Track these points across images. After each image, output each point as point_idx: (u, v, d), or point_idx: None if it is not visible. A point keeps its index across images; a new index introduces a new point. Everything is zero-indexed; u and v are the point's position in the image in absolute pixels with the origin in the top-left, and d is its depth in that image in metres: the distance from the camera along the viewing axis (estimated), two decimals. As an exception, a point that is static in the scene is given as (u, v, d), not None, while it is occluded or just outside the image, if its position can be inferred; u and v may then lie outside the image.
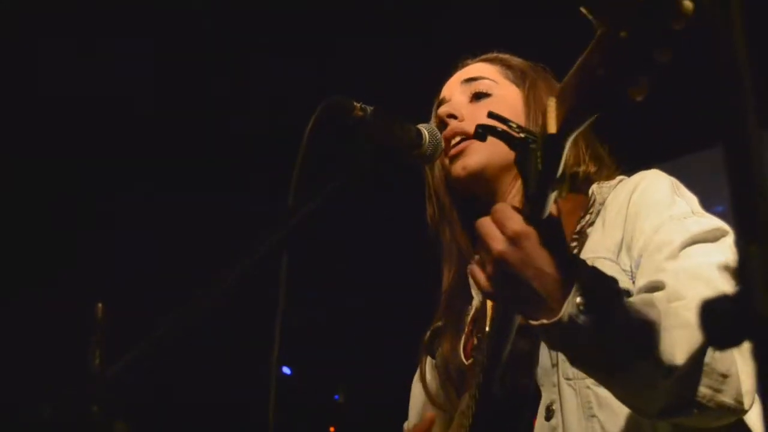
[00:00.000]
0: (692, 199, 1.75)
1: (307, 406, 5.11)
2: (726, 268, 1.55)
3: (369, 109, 1.73)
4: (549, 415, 1.67)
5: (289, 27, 4.17)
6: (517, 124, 1.37)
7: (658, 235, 1.65)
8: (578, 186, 1.88)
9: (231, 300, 1.65)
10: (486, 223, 1.36)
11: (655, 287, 1.55)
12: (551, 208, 1.32)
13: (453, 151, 1.96)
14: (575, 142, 1.90)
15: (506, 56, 2.10)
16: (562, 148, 1.22)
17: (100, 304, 1.51)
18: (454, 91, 2.06)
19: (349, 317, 5.22)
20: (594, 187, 1.88)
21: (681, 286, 1.50)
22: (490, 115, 1.45)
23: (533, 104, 1.97)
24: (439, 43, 2.13)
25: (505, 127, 1.38)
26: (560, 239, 1.37)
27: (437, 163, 2.03)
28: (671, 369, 1.34)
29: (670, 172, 1.82)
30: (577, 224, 1.81)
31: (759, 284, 0.68)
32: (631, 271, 1.66)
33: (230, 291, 1.67)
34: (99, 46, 4.10)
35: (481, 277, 1.38)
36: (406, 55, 4.00)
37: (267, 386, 1.64)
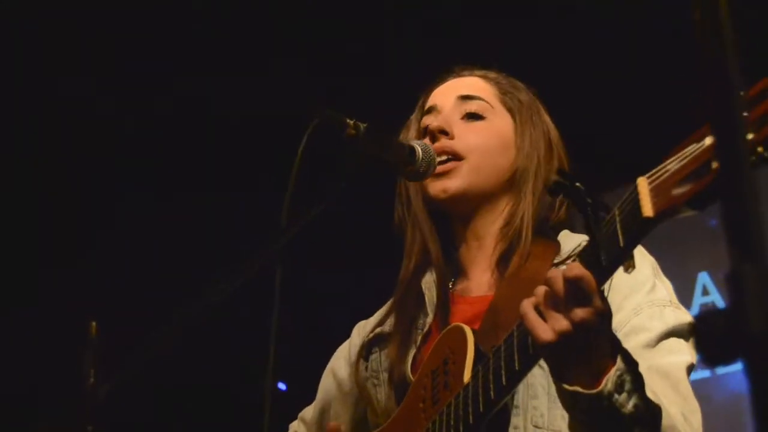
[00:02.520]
0: (669, 287, 1.82)
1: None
2: (690, 368, 1.71)
3: (362, 126, 1.73)
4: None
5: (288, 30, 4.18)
6: (585, 186, 1.42)
7: (638, 318, 1.73)
8: (546, 232, 1.91)
9: (225, 316, 1.65)
10: (578, 286, 1.39)
11: None
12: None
13: (439, 169, 1.90)
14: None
15: (504, 80, 2.05)
16: (649, 231, 1.29)
17: (93, 323, 1.50)
18: (447, 103, 2.00)
19: (345, 333, 5.21)
20: (563, 235, 1.91)
21: (653, 381, 1.57)
22: (561, 173, 1.48)
23: (527, 139, 1.95)
24: (432, 54, 2.12)
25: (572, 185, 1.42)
26: (611, 316, 1.46)
27: None
28: None
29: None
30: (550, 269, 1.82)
31: (751, 303, 0.68)
32: None
33: (223, 306, 1.66)
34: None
35: (542, 326, 1.42)
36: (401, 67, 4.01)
37: (262, 402, 1.64)
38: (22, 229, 4.50)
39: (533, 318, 1.44)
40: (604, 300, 1.41)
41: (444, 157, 1.91)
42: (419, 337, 1.93)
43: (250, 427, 1.70)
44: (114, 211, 4.56)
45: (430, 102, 2.03)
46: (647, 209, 1.25)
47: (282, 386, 5.10)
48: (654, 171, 1.27)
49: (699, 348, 0.71)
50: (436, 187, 1.91)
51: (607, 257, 1.35)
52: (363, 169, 1.74)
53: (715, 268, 4.41)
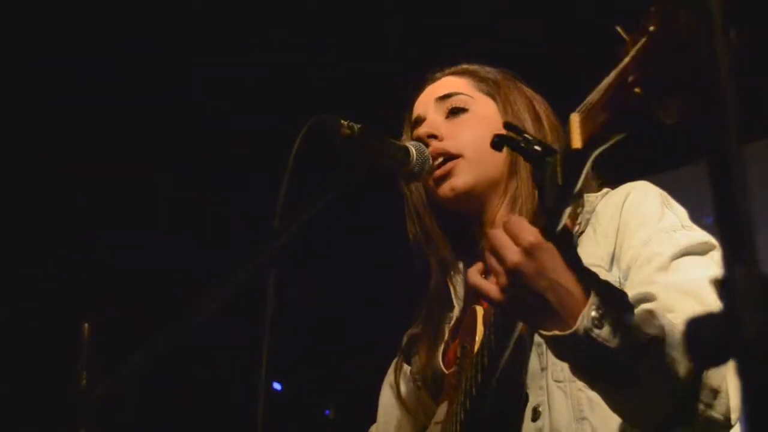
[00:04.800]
0: (681, 212, 1.76)
1: (298, 422, 5.08)
2: (714, 282, 1.58)
3: (356, 127, 1.73)
4: (535, 416, 1.68)
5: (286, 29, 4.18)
6: (533, 136, 1.40)
7: (648, 247, 1.67)
8: None
9: (219, 317, 1.65)
10: (499, 235, 1.38)
11: (645, 299, 1.57)
12: (566, 221, 1.34)
13: (438, 173, 1.92)
14: None
15: (475, 67, 2.07)
16: (586, 163, 1.24)
17: (86, 324, 1.50)
18: (428, 109, 2.01)
19: (340, 332, 5.21)
20: (588, 197, 1.88)
21: (671, 300, 1.52)
22: (507, 126, 1.46)
23: (510, 116, 1.95)
24: (425, 55, 2.12)
25: (520, 138, 1.39)
26: (574, 252, 1.40)
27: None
28: (676, 384, 1.37)
29: (659, 182, 1.83)
30: None
31: (744, 304, 0.68)
32: (620, 283, 1.68)
33: (218, 309, 1.66)
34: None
35: (489, 287, 1.40)
36: (393, 70, 4.01)
37: (256, 402, 1.64)
38: (17, 228, 4.49)
39: (480, 283, 1.42)
40: (540, 235, 1.35)
41: (440, 159, 1.92)
42: (447, 332, 1.96)
43: (245, 427, 1.70)
44: (108, 211, 4.55)
45: (414, 114, 2.05)
46: (576, 141, 1.22)
47: (277, 386, 5.10)
48: (582, 104, 1.25)
49: (691, 350, 0.70)
50: (444, 189, 1.92)
51: (551, 198, 1.32)
52: (359, 169, 1.74)
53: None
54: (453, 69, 2.08)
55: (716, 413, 1.41)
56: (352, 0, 4.07)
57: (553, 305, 1.35)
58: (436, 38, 3.89)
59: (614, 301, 1.37)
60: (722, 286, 0.72)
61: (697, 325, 0.72)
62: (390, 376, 2.14)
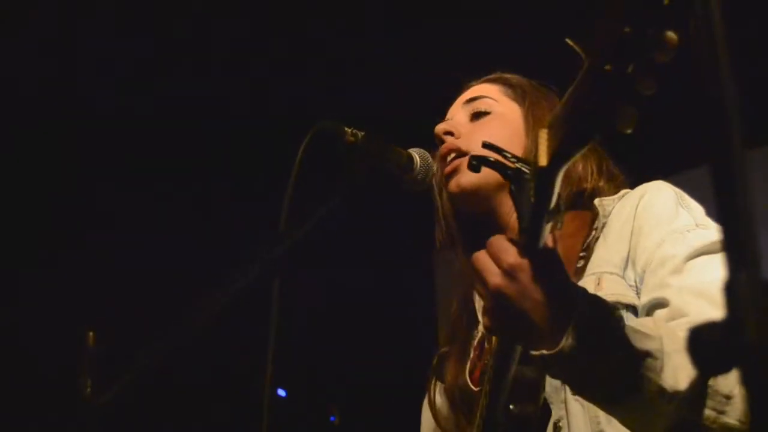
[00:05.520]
0: (697, 209, 1.74)
1: (302, 428, 5.08)
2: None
3: (360, 134, 1.74)
4: (556, 431, 1.67)
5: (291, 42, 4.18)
6: (512, 154, 1.39)
7: (661, 249, 1.66)
8: (585, 203, 1.87)
9: (223, 322, 1.65)
10: (481, 257, 1.36)
11: (659, 304, 1.56)
12: (547, 238, 1.33)
13: (447, 169, 1.94)
14: (585, 159, 1.91)
15: (508, 75, 2.09)
16: (554, 179, 1.22)
17: (90, 332, 1.50)
18: (456, 111, 2.06)
19: (345, 338, 5.21)
20: (596, 201, 1.87)
21: (684, 303, 1.51)
22: (485, 145, 1.45)
23: (533, 122, 1.96)
24: (438, 67, 2.13)
25: (499, 157, 1.38)
26: (557, 270, 1.37)
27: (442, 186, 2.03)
28: (674, 394, 1.34)
29: (679, 184, 1.80)
30: (585, 241, 1.81)
31: (747, 312, 0.68)
32: (636, 286, 1.67)
33: (221, 314, 1.67)
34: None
35: (483, 312, 1.39)
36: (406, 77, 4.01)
37: (261, 408, 1.64)
38: (20, 234, 4.49)
39: (477, 308, 1.41)
40: (526, 257, 1.32)
41: (452, 156, 1.95)
42: (473, 349, 1.94)
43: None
44: (112, 216, 4.55)
45: (446, 118, 2.09)
46: (542, 159, 1.21)
47: (281, 393, 5.10)
48: (550, 118, 1.23)
49: (694, 355, 0.70)
50: (451, 186, 1.94)
51: (525, 218, 1.30)
52: (362, 176, 1.74)
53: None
54: (487, 77, 2.12)
55: (731, 419, 1.37)
56: (358, 3, 4.08)
57: (539, 325, 1.32)
58: (441, 45, 3.90)
59: (602, 318, 1.34)
60: (725, 292, 0.72)
61: (701, 332, 0.72)
62: (427, 397, 2.10)
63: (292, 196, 1.71)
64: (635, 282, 1.68)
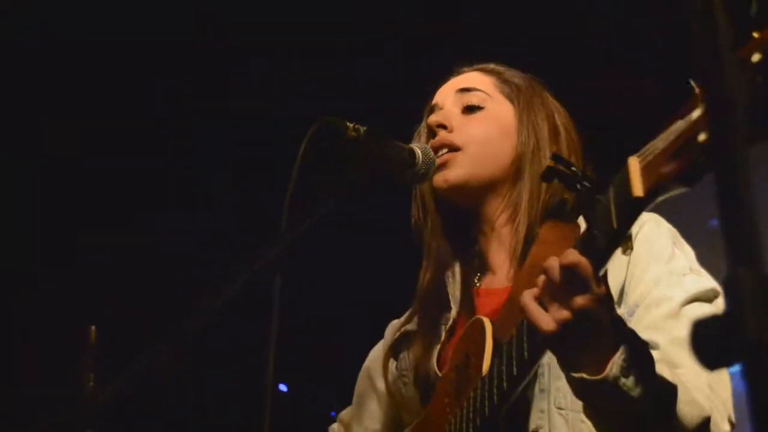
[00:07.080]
0: (690, 254, 1.80)
1: (304, 423, 5.09)
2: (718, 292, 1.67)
3: (362, 129, 1.74)
4: None
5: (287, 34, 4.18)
6: (581, 170, 1.42)
7: (658, 289, 1.70)
8: (566, 215, 1.88)
9: (225, 318, 1.65)
10: (574, 273, 1.37)
11: (651, 346, 1.59)
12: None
13: (438, 162, 1.92)
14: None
15: (502, 69, 2.07)
16: (642, 211, 1.26)
17: (93, 327, 1.51)
18: (447, 99, 2.02)
19: (347, 333, 5.20)
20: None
21: (675, 356, 1.58)
22: (554, 156, 1.48)
23: (525, 123, 1.96)
24: (433, 58, 2.11)
25: (569, 172, 1.41)
26: (612, 299, 1.46)
27: None
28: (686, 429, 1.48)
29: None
30: None
31: (747, 307, 0.68)
32: (626, 318, 1.69)
33: (224, 310, 1.67)
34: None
35: (542, 317, 1.42)
36: (399, 69, 4.01)
37: (262, 404, 1.64)
38: (22, 231, 4.49)
39: (533, 309, 1.43)
40: (603, 284, 1.39)
41: (444, 150, 1.93)
42: (444, 333, 1.94)
43: (251, 429, 1.70)
44: (115, 214, 4.55)
45: (433, 101, 2.06)
46: (637, 189, 1.23)
47: (283, 388, 5.10)
48: (643, 149, 1.25)
49: (696, 351, 0.71)
50: (438, 179, 1.93)
51: (602, 240, 1.34)
52: (365, 172, 1.74)
53: (714, 270, 4.39)
54: (481, 66, 2.09)
55: (728, 426, 1.56)
56: (363, 1, 4.08)
57: (593, 348, 1.40)
58: (443, 42, 3.90)
59: (642, 352, 1.43)
60: (726, 289, 0.72)
61: (702, 328, 0.72)
62: (373, 364, 2.13)
63: (294, 191, 1.71)
64: (624, 314, 1.70)
